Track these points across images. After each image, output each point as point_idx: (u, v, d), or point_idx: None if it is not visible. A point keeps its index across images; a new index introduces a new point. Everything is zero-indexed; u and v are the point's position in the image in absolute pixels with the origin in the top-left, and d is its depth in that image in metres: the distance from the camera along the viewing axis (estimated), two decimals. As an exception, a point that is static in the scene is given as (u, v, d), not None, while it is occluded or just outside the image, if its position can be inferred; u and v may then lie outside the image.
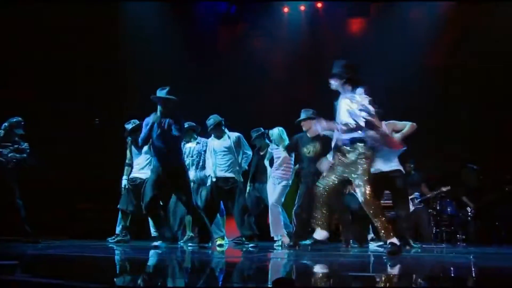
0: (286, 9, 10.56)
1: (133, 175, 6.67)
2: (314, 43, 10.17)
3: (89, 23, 9.11)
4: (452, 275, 3.08)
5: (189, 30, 10.12)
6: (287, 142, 6.21)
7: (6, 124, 6.38)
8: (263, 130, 6.74)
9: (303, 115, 5.97)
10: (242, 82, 9.60)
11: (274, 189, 6.29)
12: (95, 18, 9.11)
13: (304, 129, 5.95)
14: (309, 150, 5.81)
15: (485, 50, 8.86)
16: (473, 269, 3.37)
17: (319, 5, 10.50)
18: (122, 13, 9.96)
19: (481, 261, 4.11)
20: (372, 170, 4.50)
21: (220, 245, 6.06)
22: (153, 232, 6.51)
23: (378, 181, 5.01)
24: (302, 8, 10.53)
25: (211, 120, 6.21)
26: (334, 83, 4.49)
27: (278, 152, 6.30)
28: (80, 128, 8.96)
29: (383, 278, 2.78)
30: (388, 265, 3.54)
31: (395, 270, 3.23)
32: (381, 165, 5.43)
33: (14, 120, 6.40)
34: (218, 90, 9.33)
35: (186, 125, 6.23)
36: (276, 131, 6.34)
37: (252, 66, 9.92)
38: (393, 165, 5.54)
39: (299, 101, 9.34)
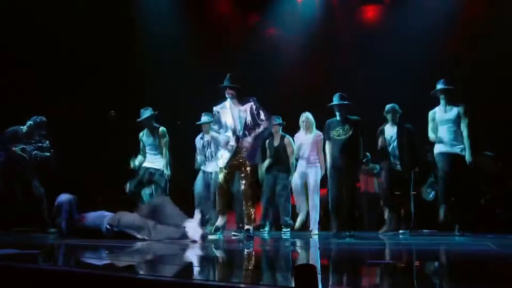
0: (300, -2, 10.48)
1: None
2: (329, 31, 10.06)
3: (103, 16, 9.12)
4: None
5: (203, 19, 10.09)
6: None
7: (31, 122, 6.46)
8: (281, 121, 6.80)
9: (336, 100, 5.90)
10: (255, 72, 9.54)
11: None
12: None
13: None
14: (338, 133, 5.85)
15: (503, 37, 8.63)
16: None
17: (333, -8, 10.40)
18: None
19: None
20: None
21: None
22: None
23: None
24: (316, -4, 10.43)
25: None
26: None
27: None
28: (96, 120, 8.99)
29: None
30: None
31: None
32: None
33: (39, 119, 6.48)
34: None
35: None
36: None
37: (266, 56, 9.87)
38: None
39: (313, 89, 9.29)
